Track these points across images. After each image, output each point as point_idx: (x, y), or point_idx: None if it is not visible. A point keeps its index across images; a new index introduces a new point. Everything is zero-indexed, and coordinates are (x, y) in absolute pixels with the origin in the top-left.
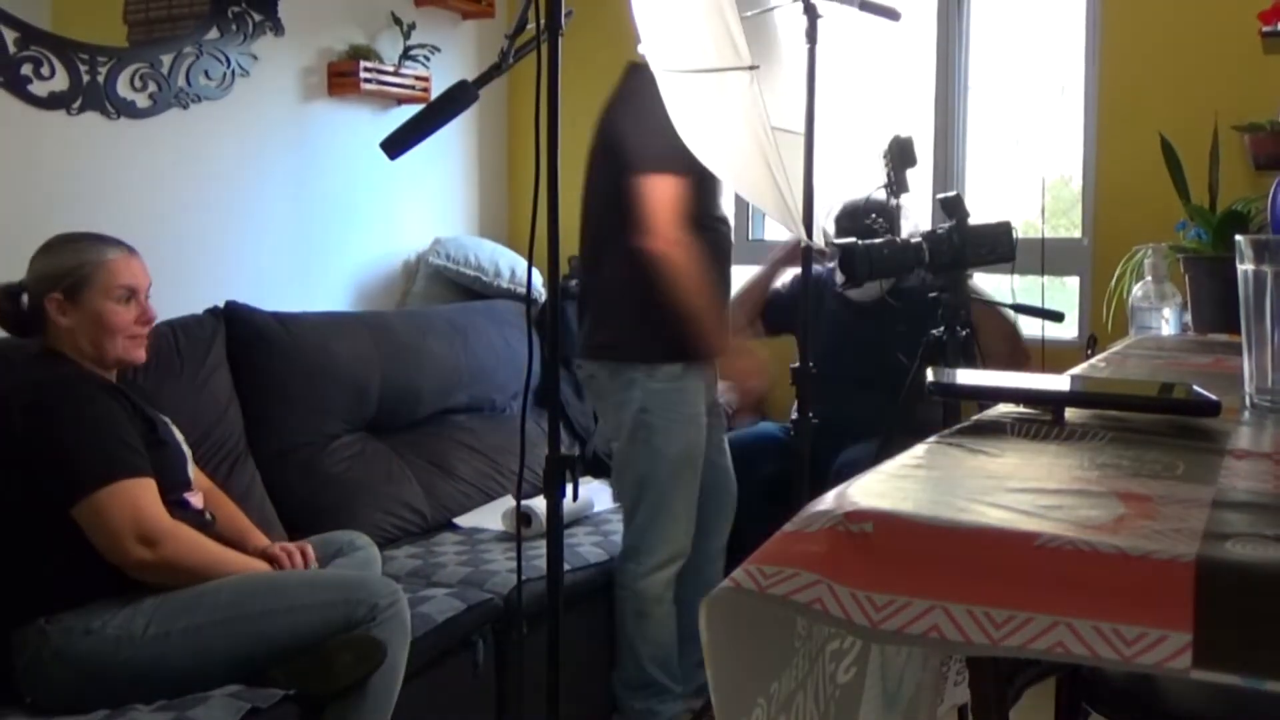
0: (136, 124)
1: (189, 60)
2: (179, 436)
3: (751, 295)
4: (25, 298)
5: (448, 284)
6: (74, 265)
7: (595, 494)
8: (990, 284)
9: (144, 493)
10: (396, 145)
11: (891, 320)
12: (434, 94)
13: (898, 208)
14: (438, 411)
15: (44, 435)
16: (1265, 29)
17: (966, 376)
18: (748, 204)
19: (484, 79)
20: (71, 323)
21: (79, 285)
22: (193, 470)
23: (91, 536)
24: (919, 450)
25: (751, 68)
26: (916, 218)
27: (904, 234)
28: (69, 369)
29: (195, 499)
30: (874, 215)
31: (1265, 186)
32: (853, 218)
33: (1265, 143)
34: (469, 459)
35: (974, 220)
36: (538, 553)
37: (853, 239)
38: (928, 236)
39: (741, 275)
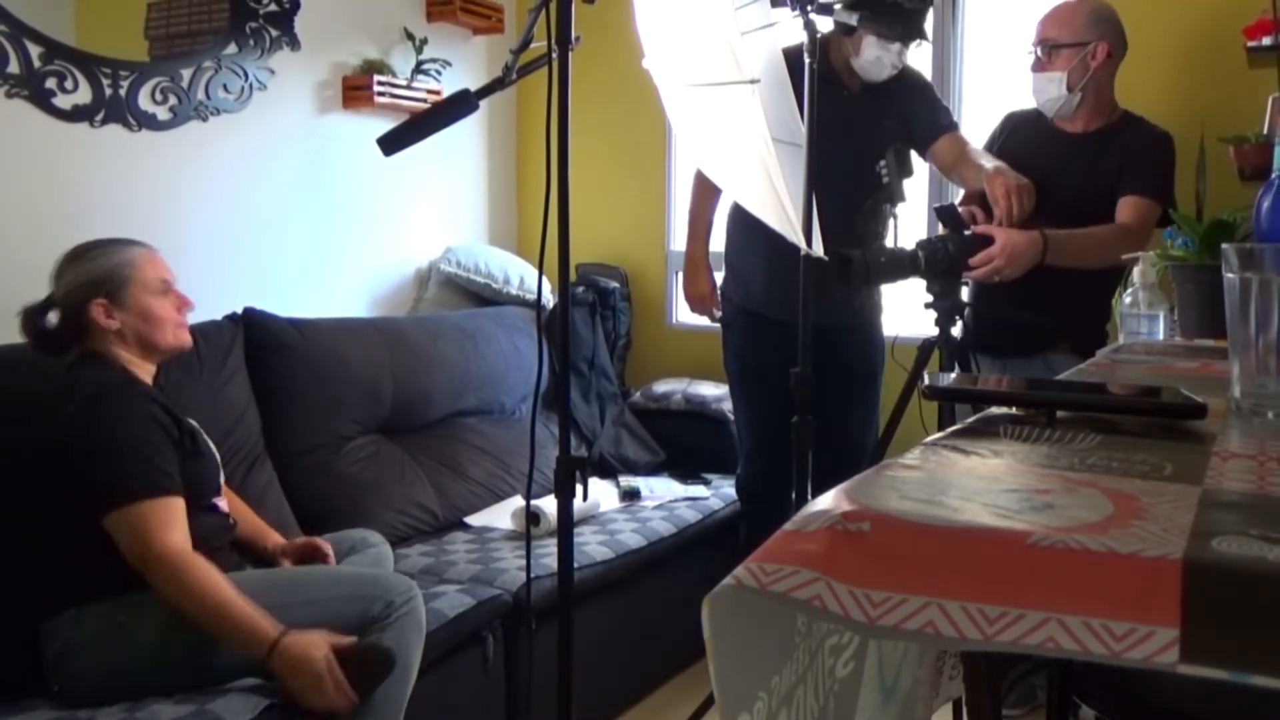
0: (157, 136)
1: (208, 74)
2: (212, 445)
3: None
4: (55, 312)
5: (458, 290)
6: (110, 268)
7: (601, 494)
8: None
9: (168, 514)
10: (392, 143)
11: None
12: None
13: (894, 216)
14: (448, 414)
15: (86, 443)
16: (1250, 43)
17: (962, 380)
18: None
19: (485, 91)
20: (119, 324)
21: (120, 286)
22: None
23: (119, 545)
24: (915, 452)
25: (753, 81)
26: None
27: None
28: (116, 375)
29: (223, 504)
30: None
31: (1251, 196)
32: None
33: (1250, 154)
34: (479, 460)
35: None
36: (546, 551)
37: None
38: (923, 244)
39: None
